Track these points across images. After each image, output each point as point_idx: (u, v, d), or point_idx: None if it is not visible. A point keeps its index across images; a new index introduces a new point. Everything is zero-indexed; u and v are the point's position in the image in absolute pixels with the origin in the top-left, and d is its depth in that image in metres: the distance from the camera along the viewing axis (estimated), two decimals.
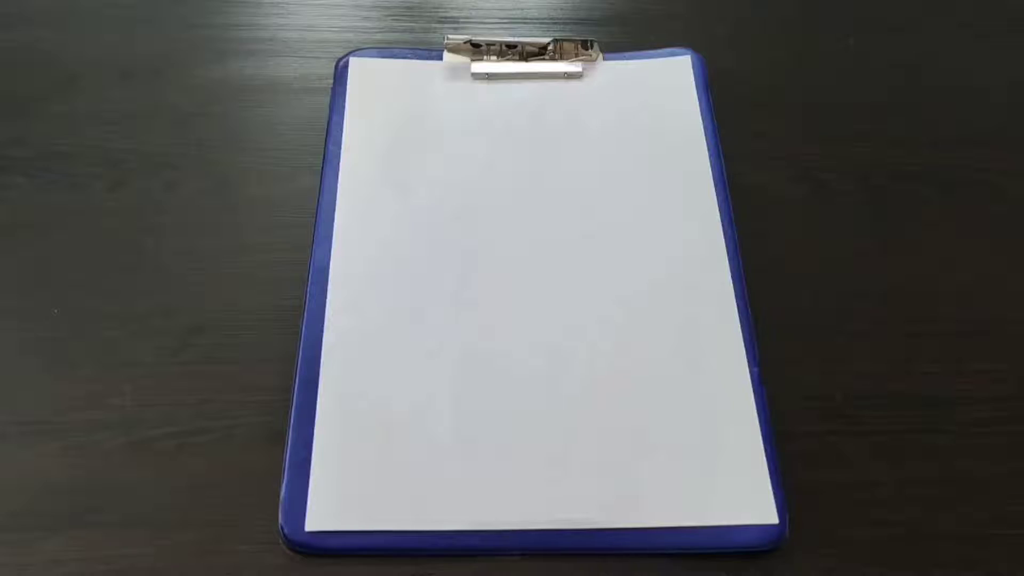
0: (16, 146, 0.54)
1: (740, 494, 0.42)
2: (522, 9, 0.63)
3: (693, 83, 0.57)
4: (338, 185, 0.52)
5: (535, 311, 0.48)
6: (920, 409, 0.46)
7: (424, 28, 0.62)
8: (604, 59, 0.59)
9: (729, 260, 0.50)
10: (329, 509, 0.41)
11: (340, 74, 0.57)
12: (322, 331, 0.46)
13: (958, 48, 0.62)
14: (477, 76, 0.57)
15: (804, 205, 0.52)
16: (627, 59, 0.59)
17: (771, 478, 0.43)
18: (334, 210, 0.51)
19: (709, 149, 0.54)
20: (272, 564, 0.41)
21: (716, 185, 0.53)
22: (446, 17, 0.62)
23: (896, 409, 0.46)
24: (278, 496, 0.42)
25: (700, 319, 0.48)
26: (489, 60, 0.58)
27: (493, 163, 0.53)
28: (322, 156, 0.53)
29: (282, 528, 0.41)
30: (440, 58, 0.58)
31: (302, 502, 0.41)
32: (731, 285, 0.49)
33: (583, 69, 0.58)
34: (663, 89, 0.57)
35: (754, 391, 0.45)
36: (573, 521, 0.42)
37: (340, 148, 0.53)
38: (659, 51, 0.59)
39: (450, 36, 0.58)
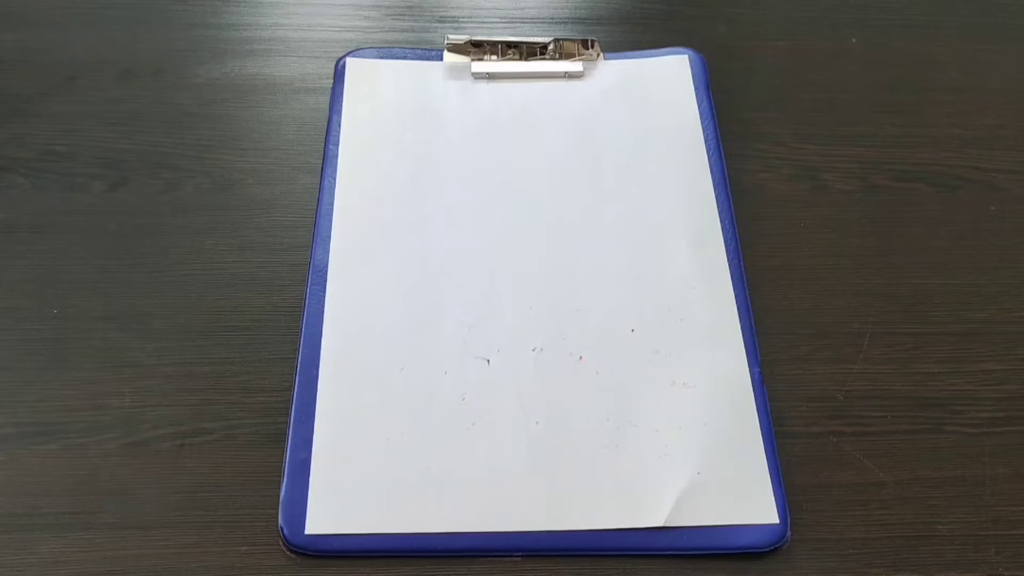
0: (16, 146, 0.54)
1: (741, 494, 0.43)
2: (522, 8, 0.63)
3: (693, 83, 0.57)
4: (337, 185, 0.52)
5: (536, 310, 0.48)
6: (920, 409, 0.46)
7: (424, 28, 0.62)
8: (605, 58, 0.59)
9: (729, 260, 0.50)
10: (329, 511, 0.41)
11: (340, 74, 0.57)
12: (322, 331, 0.46)
13: (958, 48, 0.62)
14: (477, 76, 0.57)
15: (805, 205, 0.52)
16: (628, 58, 0.59)
17: (772, 478, 0.43)
18: (333, 210, 0.51)
19: (709, 149, 0.54)
20: (272, 565, 0.41)
21: (716, 185, 0.53)
22: (446, 17, 0.62)
23: (896, 409, 0.46)
24: (278, 497, 0.42)
25: (701, 319, 0.48)
26: (490, 60, 0.58)
27: (493, 162, 0.53)
28: (322, 156, 0.53)
29: (282, 529, 0.41)
30: (440, 58, 0.58)
31: (302, 504, 0.41)
32: (731, 285, 0.49)
33: (584, 68, 0.58)
34: (663, 88, 0.57)
35: (755, 391, 0.45)
36: (573, 522, 0.42)
37: (339, 148, 0.53)
38: (659, 51, 0.59)
39: (451, 36, 0.58)
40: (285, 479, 0.42)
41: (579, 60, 0.58)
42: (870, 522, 0.43)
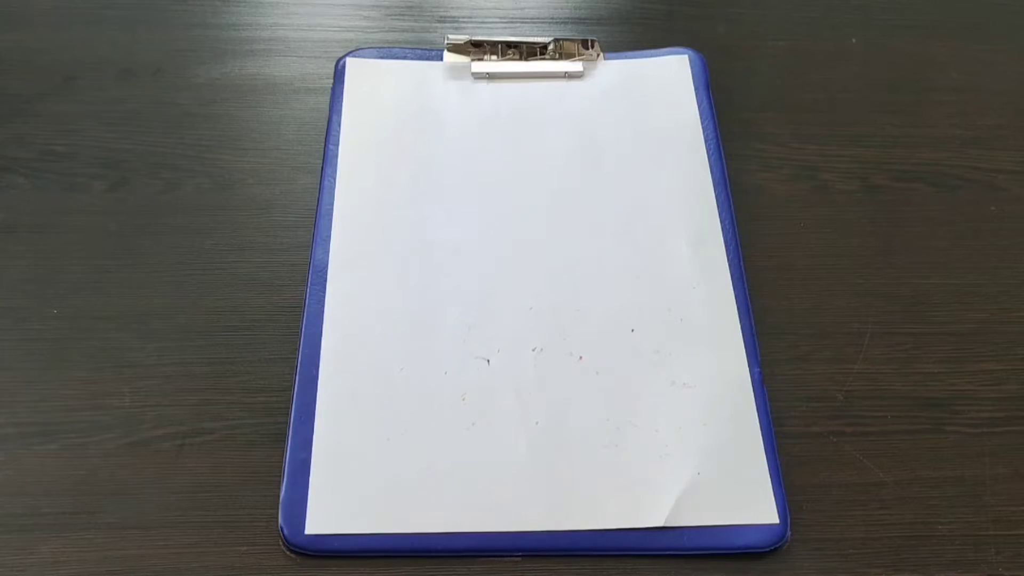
0: (16, 146, 0.54)
1: (741, 495, 0.43)
2: (522, 8, 0.63)
3: (693, 83, 0.57)
4: (337, 185, 0.52)
5: (536, 310, 0.48)
6: (920, 409, 0.46)
7: (424, 28, 0.62)
8: (605, 58, 0.59)
9: (729, 260, 0.50)
10: (329, 511, 0.41)
11: (340, 74, 0.57)
12: (322, 331, 0.46)
13: (958, 48, 0.62)
14: (477, 76, 0.57)
15: (804, 205, 0.52)
16: (628, 58, 0.59)
17: (772, 478, 0.43)
18: (333, 210, 0.51)
19: (709, 149, 0.54)
20: (272, 565, 0.41)
21: (716, 185, 0.53)
22: (446, 17, 0.62)
23: (896, 409, 0.46)
24: (278, 497, 0.42)
25: (701, 319, 0.48)
26: (490, 60, 0.58)
27: (493, 162, 0.53)
28: (322, 156, 0.53)
29: (282, 529, 0.41)
30: (440, 58, 0.58)
31: (302, 504, 0.41)
32: (731, 285, 0.49)
33: (584, 68, 0.58)
34: (663, 88, 0.57)
35: (755, 391, 0.45)
36: (573, 522, 0.42)
37: (339, 148, 0.53)
38: (659, 51, 0.59)
39: (451, 36, 0.58)
40: (285, 479, 0.42)
41: (579, 60, 0.58)
42: (870, 522, 0.43)
